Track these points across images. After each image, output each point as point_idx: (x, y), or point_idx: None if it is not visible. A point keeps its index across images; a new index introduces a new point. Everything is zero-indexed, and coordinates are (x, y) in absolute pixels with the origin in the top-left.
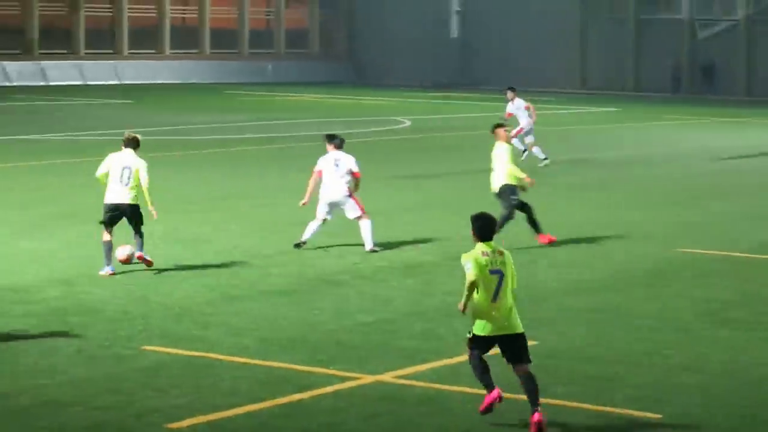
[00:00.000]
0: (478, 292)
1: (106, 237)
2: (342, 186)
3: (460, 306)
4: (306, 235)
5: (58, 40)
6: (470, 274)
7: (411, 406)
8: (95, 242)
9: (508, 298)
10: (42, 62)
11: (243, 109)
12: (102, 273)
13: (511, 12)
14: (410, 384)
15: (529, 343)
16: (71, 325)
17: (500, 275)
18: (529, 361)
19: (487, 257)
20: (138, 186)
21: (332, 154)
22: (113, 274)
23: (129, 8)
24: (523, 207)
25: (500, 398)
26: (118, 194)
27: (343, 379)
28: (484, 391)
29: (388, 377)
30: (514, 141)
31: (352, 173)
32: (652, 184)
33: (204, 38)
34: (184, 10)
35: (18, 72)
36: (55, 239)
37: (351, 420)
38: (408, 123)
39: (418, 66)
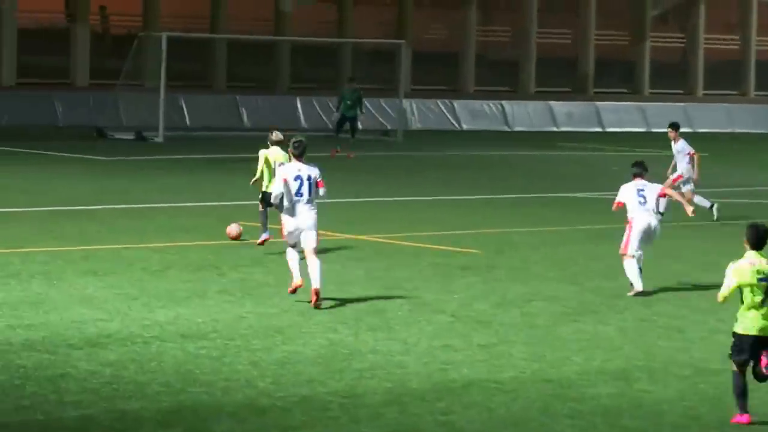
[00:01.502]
0: (743, 298)
1: (262, 208)
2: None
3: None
4: (636, 282)
5: (616, 77)
6: (723, 290)
7: None
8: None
9: None
10: (597, 103)
11: None
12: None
13: None
14: None
15: None
16: (627, 430)
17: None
18: None
19: (754, 266)
20: None
21: (635, 183)
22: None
23: (705, 38)
24: None
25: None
26: None
27: None
28: None
29: None
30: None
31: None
32: None
33: None
34: None
35: (567, 114)
36: (610, 322)
37: None
38: None
39: None
